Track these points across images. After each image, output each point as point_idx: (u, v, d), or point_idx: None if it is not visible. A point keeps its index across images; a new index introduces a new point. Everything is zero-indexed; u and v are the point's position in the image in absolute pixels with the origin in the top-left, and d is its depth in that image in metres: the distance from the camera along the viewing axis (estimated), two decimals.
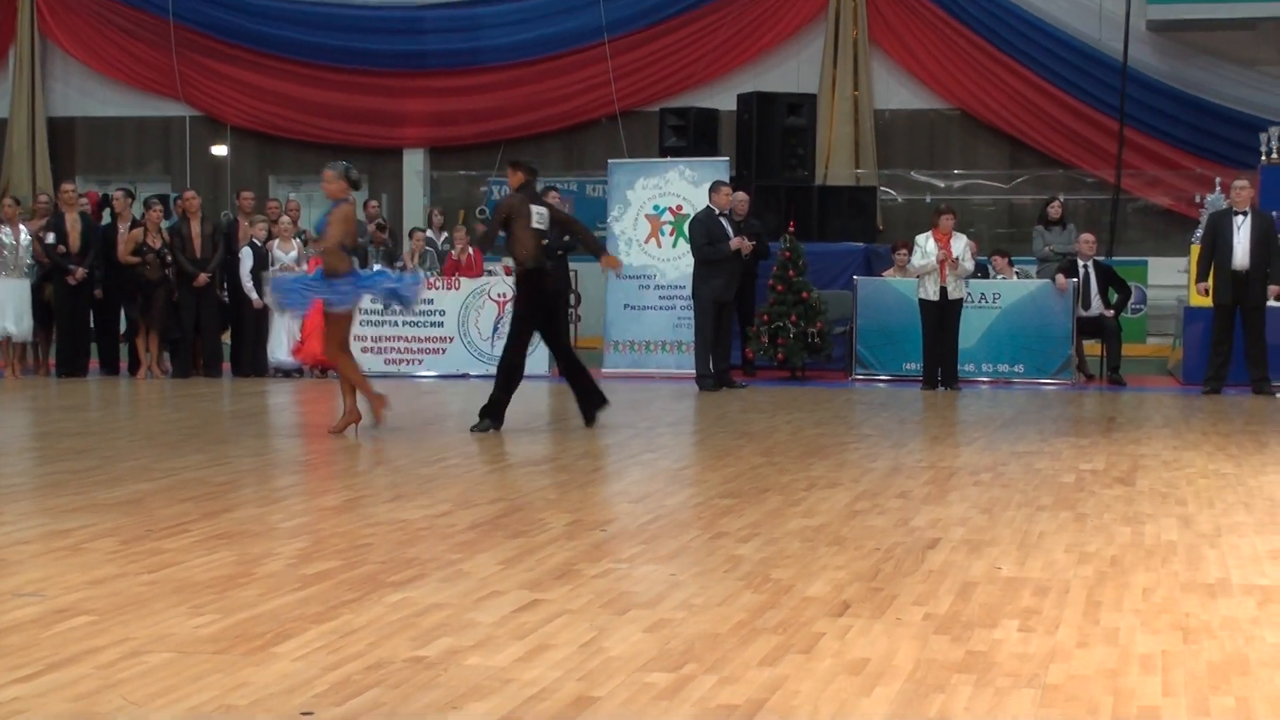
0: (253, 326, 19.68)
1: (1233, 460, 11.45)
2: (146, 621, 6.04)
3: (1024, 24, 27.00)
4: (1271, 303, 17.79)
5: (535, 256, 13.10)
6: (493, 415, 13.18)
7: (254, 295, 19.35)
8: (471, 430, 13.01)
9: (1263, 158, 20.31)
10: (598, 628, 5.97)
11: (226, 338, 20.40)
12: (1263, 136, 20.49)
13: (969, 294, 18.44)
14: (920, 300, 18.09)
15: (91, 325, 19.99)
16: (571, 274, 21.20)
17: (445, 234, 22.02)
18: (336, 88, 29.45)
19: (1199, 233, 18.72)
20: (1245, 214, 17.65)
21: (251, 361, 19.68)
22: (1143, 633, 5.96)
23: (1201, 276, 17.88)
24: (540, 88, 28.86)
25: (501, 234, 13.44)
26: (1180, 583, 6.92)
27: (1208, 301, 17.86)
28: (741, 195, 19.41)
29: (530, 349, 13.94)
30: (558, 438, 13.46)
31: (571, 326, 20.55)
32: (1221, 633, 5.98)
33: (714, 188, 18.21)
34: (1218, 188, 19.73)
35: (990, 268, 20.37)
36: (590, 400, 13.51)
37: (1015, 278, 20.07)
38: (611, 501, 9.70)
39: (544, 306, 13.27)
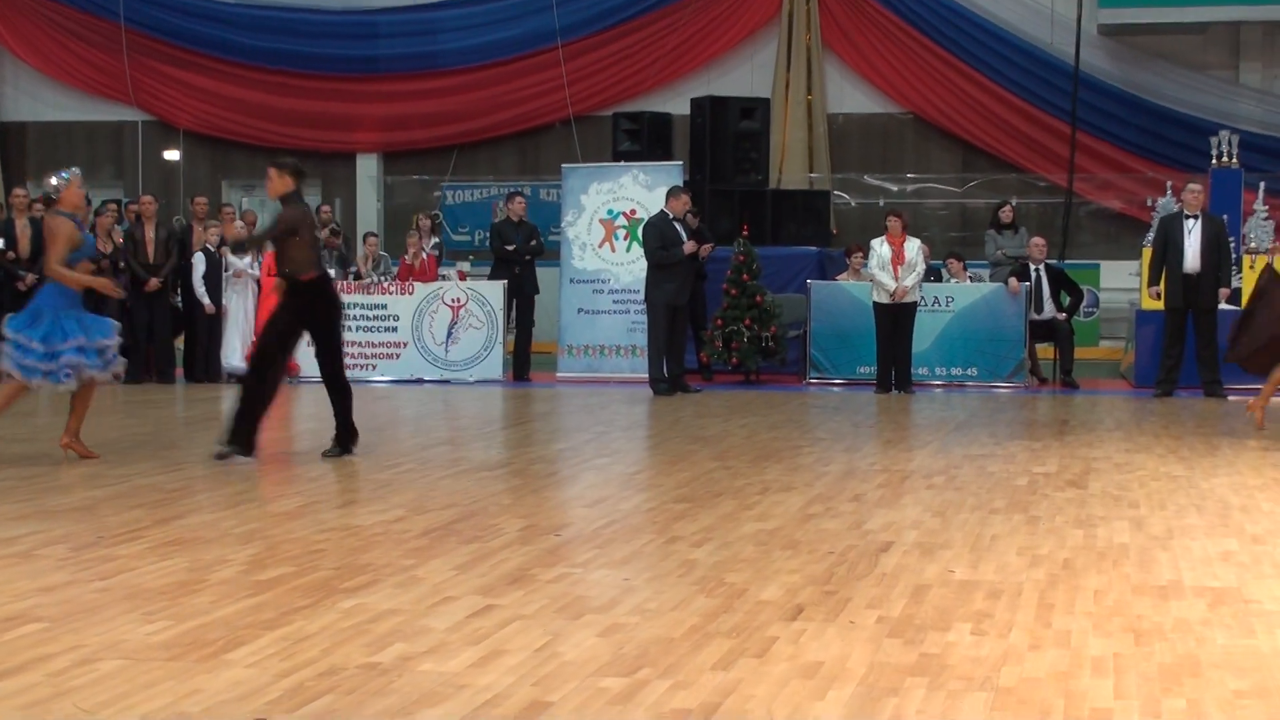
0: (206, 332, 19.57)
1: (1184, 463, 11.51)
2: (98, 629, 6.01)
3: (976, 28, 27.12)
4: (1222, 306, 17.89)
5: (318, 262, 11.70)
6: (245, 441, 11.35)
7: (206, 301, 19.28)
8: (219, 457, 11.24)
9: (1213, 161, 20.41)
10: (551, 633, 5.97)
11: (180, 343, 20.29)
12: (1213, 140, 20.59)
13: (922, 298, 18.48)
14: (874, 304, 18.11)
15: None
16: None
17: (435, 239, 21.94)
18: (290, 92, 29.37)
19: (1150, 236, 18.81)
20: (1196, 217, 17.73)
21: (205, 367, 19.58)
22: (1095, 635, 5.99)
23: (1153, 280, 17.96)
24: (494, 92, 28.84)
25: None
26: (1132, 585, 6.96)
27: (1159, 305, 17.94)
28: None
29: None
30: (512, 442, 13.45)
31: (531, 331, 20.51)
32: (1173, 635, 6.01)
33: (672, 193, 18.18)
34: (1169, 191, 19.83)
35: (945, 271, 20.43)
36: (344, 432, 11.84)
37: (969, 281, 20.13)
38: (566, 506, 9.69)
39: (330, 316, 11.77)
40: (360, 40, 29.28)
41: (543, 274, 20.56)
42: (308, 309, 11.57)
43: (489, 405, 16.92)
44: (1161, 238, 17.95)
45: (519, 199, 20.74)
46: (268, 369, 11.55)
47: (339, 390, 11.80)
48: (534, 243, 20.29)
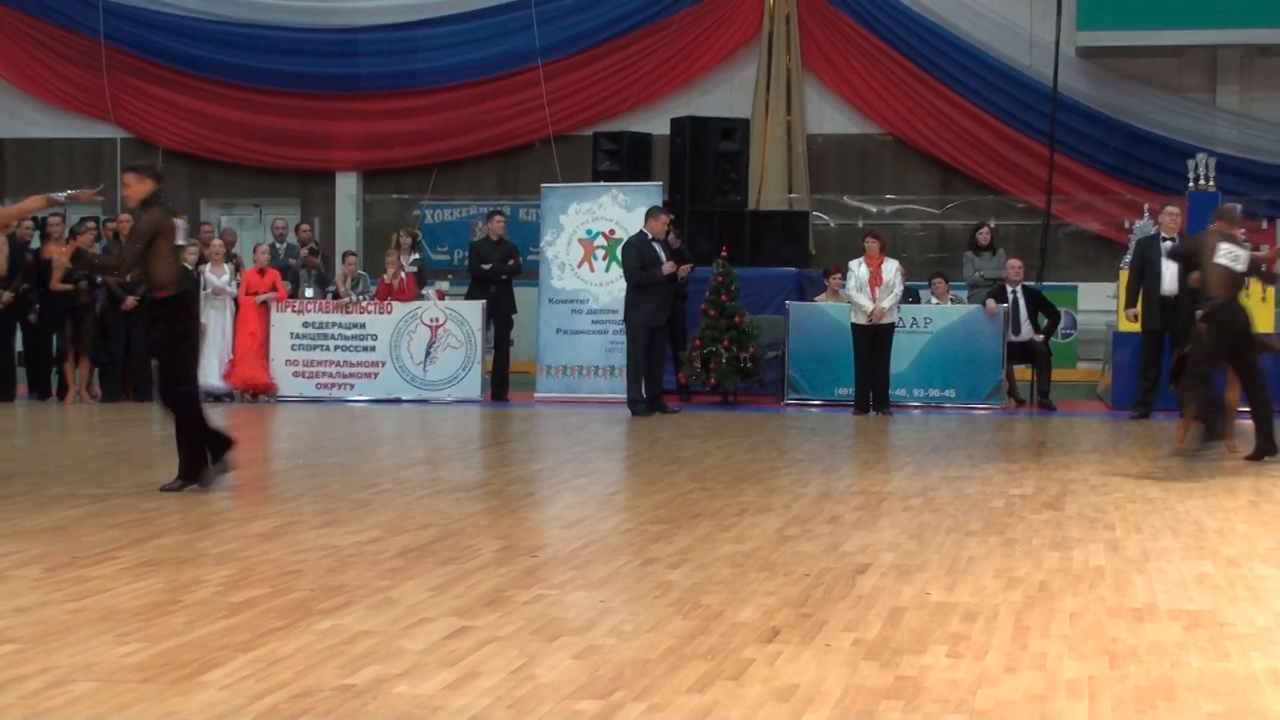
0: None
1: (1160, 485, 11.53)
2: (72, 650, 5.99)
3: (956, 50, 27.17)
4: None
5: (179, 279, 10.86)
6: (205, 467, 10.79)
7: None
8: (169, 489, 10.64)
9: (1190, 184, 20.43)
10: (528, 655, 5.96)
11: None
12: (1190, 163, 20.62)
13: (900, 319, 18.50)
14: (852, 325, 18.14)
15: (20, 349, 19.79)
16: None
17: (416, 255, 21.92)
18: (269, 110, 29.32)
19: (1127, 258, 18.87)
20: (1173, 240, 17.79)
21: None
22: (1070, 658, 5.99)
23: (1130, 302, 18.02)
24: (474, 111, 28.82)
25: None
26: (1107, 608, 6.96)
27: (1136, 327, 17.99)
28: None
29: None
30: (489, 463, 13.43)
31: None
32: (1148, 657, 6.02)
33: (651, 213, 18.21)
34: (1146, 214, 19.88)
35: (930, 291, 20.46)
36: (216, 449, 10.90)
37: (950, 302, 20.18)
38: (542, 527, 9.69)
39: (173, 339, 10.87)
40: (340, 58, 29.24)
41: (521, 294, 20.56)
42: (156, 326, 10.91)
43: (467, 425, 16.91)
44: (1139, 260, 18.01)
45: (498, 218, 20.76)
46: (192, 395, 11.02)
47: (172, 410, 10.92)
48: (511, 262, 20.29)
